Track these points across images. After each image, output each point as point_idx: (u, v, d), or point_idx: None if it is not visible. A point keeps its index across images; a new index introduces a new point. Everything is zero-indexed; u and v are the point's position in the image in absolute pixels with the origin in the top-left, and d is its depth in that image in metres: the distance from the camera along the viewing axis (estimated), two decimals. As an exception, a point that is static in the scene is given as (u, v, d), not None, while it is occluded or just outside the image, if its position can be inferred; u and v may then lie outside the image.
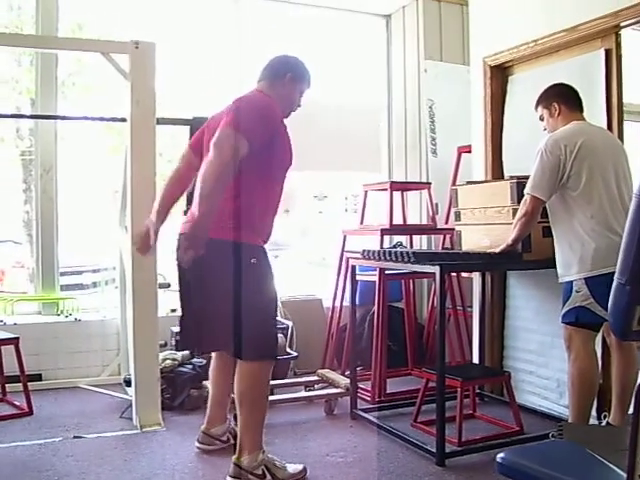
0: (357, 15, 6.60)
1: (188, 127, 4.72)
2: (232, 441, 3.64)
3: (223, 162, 2.84)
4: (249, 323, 3.01)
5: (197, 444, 3.72)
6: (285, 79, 3.28)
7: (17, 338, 4.44)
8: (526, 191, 3.51)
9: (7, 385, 4.58)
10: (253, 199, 3.11)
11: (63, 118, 5.52)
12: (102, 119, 5.13)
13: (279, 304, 5.62)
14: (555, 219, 3.55)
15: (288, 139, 3.22)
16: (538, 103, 3.71)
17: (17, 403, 4.47)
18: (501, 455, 2.02)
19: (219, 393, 3.69)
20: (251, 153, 2.94)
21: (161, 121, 4.34)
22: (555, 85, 3.71)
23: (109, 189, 5.98)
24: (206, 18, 6.08)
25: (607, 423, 3.55)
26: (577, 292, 3.35)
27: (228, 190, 2.97)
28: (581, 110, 3.61)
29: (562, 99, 3.60)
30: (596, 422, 3.66)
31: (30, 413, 4.37)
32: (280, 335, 5.14)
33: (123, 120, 4.36)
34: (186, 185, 3.46)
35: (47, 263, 5.49)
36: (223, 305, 3.05)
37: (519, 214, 3.58)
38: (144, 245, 3.37)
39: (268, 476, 3.18)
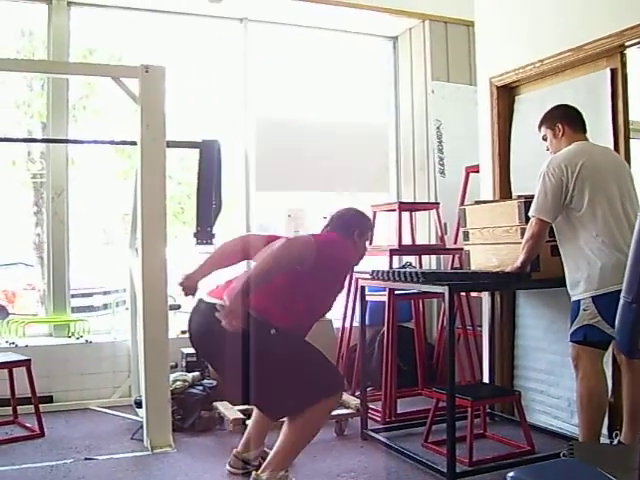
0: (364, 37, 6.66)
1: (198, 150, 4.75)
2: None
3: (288, 254, 3.05)
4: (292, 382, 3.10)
5: (228, 467, 3.67)
6: (354, 236, 3.53)
7: (28, 360, 4.46)
8: (531, 213, 3.53)
9: (18, 407, 4.58)
10: (295, 298, 3.24)
11: (74, 142, 5.58)
12: (112, 142, 5.19)
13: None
14: (561, 239, 3.56)
15: (345, 278, 3.64)
16: (542, 123, 3.73)
17: (28, 425, 4.48)
18: (511, 474, 2.02)
19: (262, 419, 3.63)
20: (313, 270, 3.15)
21: (171, 144, 4.37)
22: (559, 106, 3.73)
23: (120, 212, 6.03)
24: (214, 41, 6.16)
25: (619, 442, 3.53)
26: (584, 310, 3.35)
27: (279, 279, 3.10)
28: (584, 131, 3.63)
29: (566, 120, 3.62)
30: (608, 441, 3.64)
31: (41, 435, 4.37)
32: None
33: (133, 143, 4.40)
34: (239, 260, 3.64)
35: (58, 285, 5.52)
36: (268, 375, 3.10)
37: (526, 237, 3.59)
38: (190, 288, 3.47)
39: None
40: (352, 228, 3.54)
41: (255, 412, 3.70)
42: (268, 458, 3.20)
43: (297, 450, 3.23)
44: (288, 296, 3.19)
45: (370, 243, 3.90)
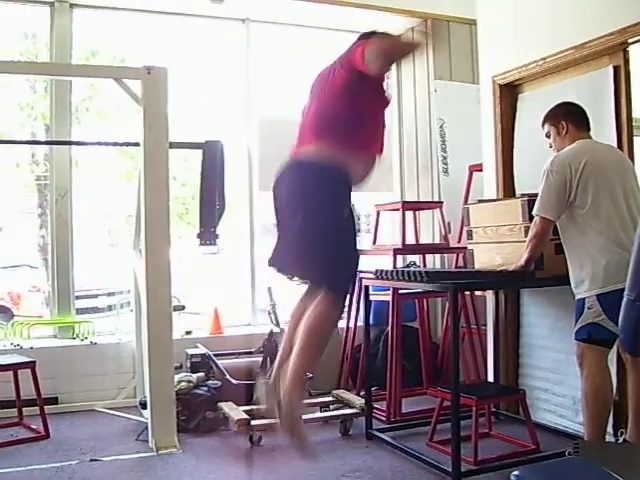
0: (366, 37, 6.64)
1: (201, 151, 4.76)
2: None
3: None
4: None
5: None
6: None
7: (33, 362, 4.47)
8: (534, 212, 3.52)
9: (24, 409, 4.60)
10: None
11: (77, 143, 5.59)
12: (116, 144, 5.20)
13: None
14: (565, 237, 3.55)
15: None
16: (545, 120, 3.72)
17: (34, 427, 4.49)
18: (515, 473, 2.02)
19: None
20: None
21: (174, 145, 4.38)
22: (564, 104, 3.72)
23: (124, 213, 6.04)
24: (216, 42, 6.17)
25: (624, 440, 3.52)
26: (589, 309, 3.35)
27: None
28: (588, 129, 3.62)
29: (570, 118, 3.61)
30: (613, 439, 3.63)
31: (47, 436, 4.39)
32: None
33: (136, 144, 4.41)
34: None
35: (62, 287, 5.53)
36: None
37: (530, 235, 3.59)
38: None
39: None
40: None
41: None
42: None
43: (310, 364, 3.01)
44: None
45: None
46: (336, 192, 2.92)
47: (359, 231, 2.88)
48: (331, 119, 2.97)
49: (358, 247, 3.07)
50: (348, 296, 3.09)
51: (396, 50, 3.14)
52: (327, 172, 2.90)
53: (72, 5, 5.56)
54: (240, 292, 6.15)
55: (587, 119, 3.64)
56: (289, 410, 2.84)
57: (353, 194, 3.02)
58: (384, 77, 3.10)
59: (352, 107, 2.93)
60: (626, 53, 3.95)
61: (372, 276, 4.38)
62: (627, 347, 1.77)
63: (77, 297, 5.70)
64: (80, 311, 5.73)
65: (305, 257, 2.97)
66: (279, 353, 3.17)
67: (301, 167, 2.98)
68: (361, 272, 5.08)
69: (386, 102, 3.20)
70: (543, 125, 3.73)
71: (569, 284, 3.54)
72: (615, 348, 3.52)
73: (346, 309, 5.47)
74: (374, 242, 5.45)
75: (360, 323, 5.13)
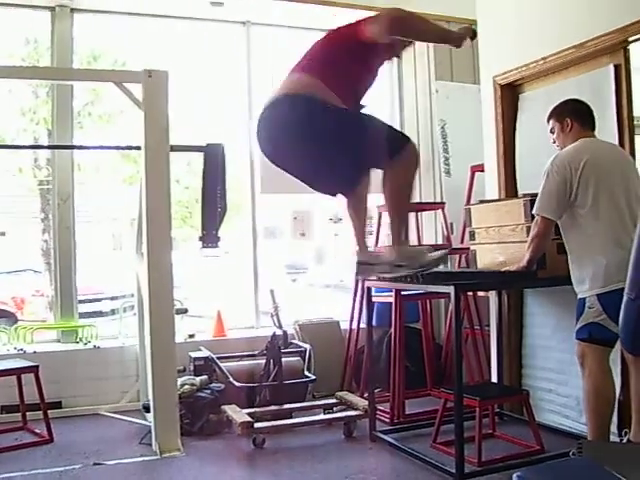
0: (367, 38, 6.64)
1: (202, 154, 4.76)
2: None
3: None
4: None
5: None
6: None
7: (37, 366, 4.48)
8: (535, 212, 3.51)
9: (27, 413, 4.60)
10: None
11: (80, 147, 5.61)
12: (117, 148, 5.21)
13: (296, 328, 5.65)
14: (567, 237, 3.54)
15: None
16: (551, 116, 3.70)
17: (37, 431, 4.50)
18: (518, 474, 2.01)
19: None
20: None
21: (175, 148, 4.38)
22: (571, 100, 3.71)
23: (127, 217, 6.05)
24: (217, 45, 6.17)
25: (628, 440, 3.51)
26: (590, 308, 3.34)
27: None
28: (593, 128, 3.60)
29: (575, 115, 3.60)
30: (617, 439, 3.62)
31: (50, 441, 4.39)
32: (298, 358, 5.16)
33: (138, 148, 4.41)
34: None
35: (65, 291, 5.54)
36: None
37: (531, 235, 3.58)
38: None
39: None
40: None
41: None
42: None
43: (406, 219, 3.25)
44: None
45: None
46: (329, 109, 2.95)
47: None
48: (319, 60, 3.06)
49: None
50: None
51: (414, 25, 3.06)
52: (313, 99, 2.94)
53: (73, 10, 5.57)
54: (243, 295, 6.15)
55: (593, 118, 3.63)
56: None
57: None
58: (385, 54, 3.17)
59: (341, 60, 3.01)
60: (627, 52, 3.94)
61: (375, 278, 4.37)
62: (627, 346, 1.76)
63: (80, 301, 5.71)
64: (83, 315, 5.73)
65: (353, 163, 3.02)
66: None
67: (293, 101, 2.99)
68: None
69: (372, 74, 3.21)
70: (548, 120, 3.72)
71: (571, 284, 3.53)
72: (618, 348, 3.52)
73: (350, 311, 5.49)
74: (376, 243, 5.45)
75: (363, 325, 5.12)
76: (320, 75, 2.98)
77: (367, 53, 3.05)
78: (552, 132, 3.71)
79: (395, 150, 2.99)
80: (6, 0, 5.32)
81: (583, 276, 3.41)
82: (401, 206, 3.18)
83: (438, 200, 6.10)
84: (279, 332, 5.05)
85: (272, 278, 6.38)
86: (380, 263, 3.20)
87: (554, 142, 3.70)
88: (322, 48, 3.13)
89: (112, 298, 6.33)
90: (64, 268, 5.53)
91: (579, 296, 3.44)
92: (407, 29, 3.05)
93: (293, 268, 8.22)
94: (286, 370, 4.82)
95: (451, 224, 5.59)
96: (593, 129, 3.62)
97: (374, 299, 4.64)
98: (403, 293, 4.82)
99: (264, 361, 4.94)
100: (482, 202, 4.52)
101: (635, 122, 3.96)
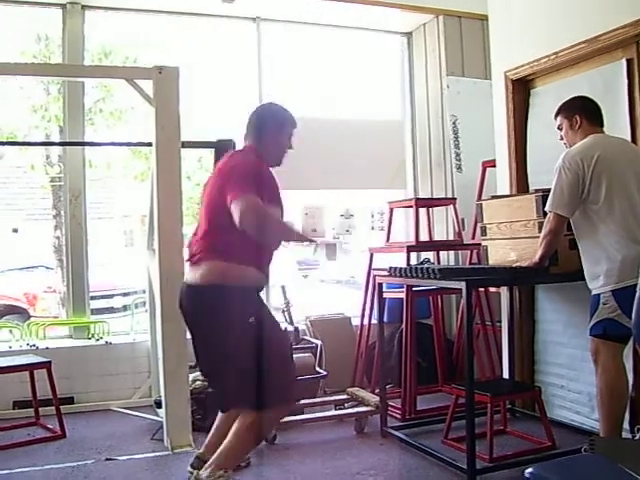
0: (378, 34, 6.64)
1: (213, 150, 4.76)
2: None
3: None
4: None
5: (189, 469, 3.29)
6: (268, 131, 3.29)
7: (49, 362, 4.50)
8: (547, 208, 3.50)
9: (40, 409, 4.64)
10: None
11: (91, 144, 5.63)
12: (129, 144, 5.22)
13: (307, 324, 5.64)
14: (579, 233, 3.52)
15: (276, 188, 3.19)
16: (559, 112, 3.68)
17: (50, 426, 4.52)
18: (529, 470, 2.01)
19: (227, 425, 3.24)
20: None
21: (186, 145, 4.38)
22: (579, 97, 3.69)
23: (139, 213, 6.06)
24: (227, 41, 6.17)
25: (640, 437, 3.50)
26: (604, 304, 3.32)
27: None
28: (601, 125, 3.58)
29: (584, 112, 3.58)
30: (630, 436, 3.60)
31: (63, 436, 4.41)
32: (309, 354, 5.15)
33: (149, 145, 4.41)
34: None
35: (78, 287, 5.56)
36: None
37: (544, 232, 3.56)
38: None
39: None
40: (262, 124, 3.31)
41: (220, 417, 3.40)
42: (211, 458, 3.06)
43: (240, 452, 3.13)
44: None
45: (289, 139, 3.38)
46: (238, 310, 3.00)
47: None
48: (217, 240, 3.07)
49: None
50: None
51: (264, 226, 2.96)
52: (224, 294, 3.00)
53: (84, 7, 5.58)
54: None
55: (601, 115, 3.61)
56: None
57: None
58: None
59: (236, 234, 2.94)
60: (639, 46, 3.90)
61: (386, 273, 4.37)
62: (640, 342, 1.75)
63: (92, 297, 5.73)
64: (95, 311, 5.76)
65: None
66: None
67: (198, 293, 3.11)
68: (375, 270, 5.08)
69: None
70: (556, 117, 3.70)
71: (584, 279, 3.52)
72: (632, 344, 3.50)
73: (361, 306, 5.48)
74: (387, 239, 5.45)
75: (374, 321, 5.11)
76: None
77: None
78: (560, 129, 3.69)
79: (270, 400, 2.95)
80: (18, -2, 5.35)
81: (597, 272, 3.39)
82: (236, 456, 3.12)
83: (449, 196, 6.08)
84: (290, 328, 5.05)
85: (283, 274, 6.37)
86: None
87: (561, 139, 3.69)
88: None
89: (124, 294, 6.35)
90: (76, 264, 5.54)
91: (593, 292, 3.42)
92: (258, 230, 2.94)
93: (305, 264, 8.22)
94: (297, 366, 4.81)
95: (462, 220, 5.56)
96: (602, 125, 3.60)
97: (385, 295, 4.65)
98: (414, 289, 4.81)
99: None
100: (494, 197, 4.49)
101: (648, 117, 3.93)
